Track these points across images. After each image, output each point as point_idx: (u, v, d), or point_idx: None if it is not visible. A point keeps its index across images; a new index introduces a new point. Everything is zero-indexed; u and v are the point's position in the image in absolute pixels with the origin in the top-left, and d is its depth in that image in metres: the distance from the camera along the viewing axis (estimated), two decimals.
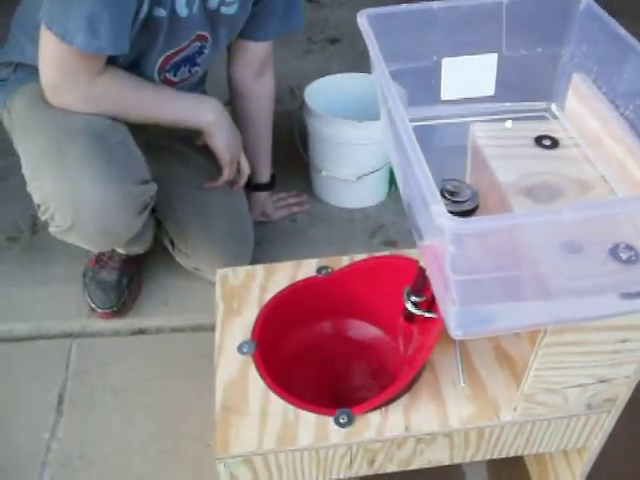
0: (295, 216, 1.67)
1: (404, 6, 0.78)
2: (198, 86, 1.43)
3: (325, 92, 1.66)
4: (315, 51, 2.37)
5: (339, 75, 1.72)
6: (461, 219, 0.52)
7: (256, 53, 1.40)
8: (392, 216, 1.67)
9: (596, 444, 0.89)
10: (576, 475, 0.95)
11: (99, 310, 1.39)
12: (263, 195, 1.60)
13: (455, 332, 0.64)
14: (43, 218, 1.16)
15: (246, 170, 1.40)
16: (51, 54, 1.07)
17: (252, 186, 1.56)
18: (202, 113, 1.25)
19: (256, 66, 1.43)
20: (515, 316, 0.66)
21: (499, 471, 1.14)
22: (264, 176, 1.57)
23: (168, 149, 1.36)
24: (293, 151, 1.70)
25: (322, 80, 1.69)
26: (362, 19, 0.76)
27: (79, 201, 1.11)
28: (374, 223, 1.66)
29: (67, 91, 1.11)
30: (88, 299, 1.40)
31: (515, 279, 0.63)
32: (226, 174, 1.35)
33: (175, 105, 1.23)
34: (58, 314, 1.41)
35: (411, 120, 0.81)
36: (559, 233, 0.61)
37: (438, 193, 0.54)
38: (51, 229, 1.18)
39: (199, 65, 1.30)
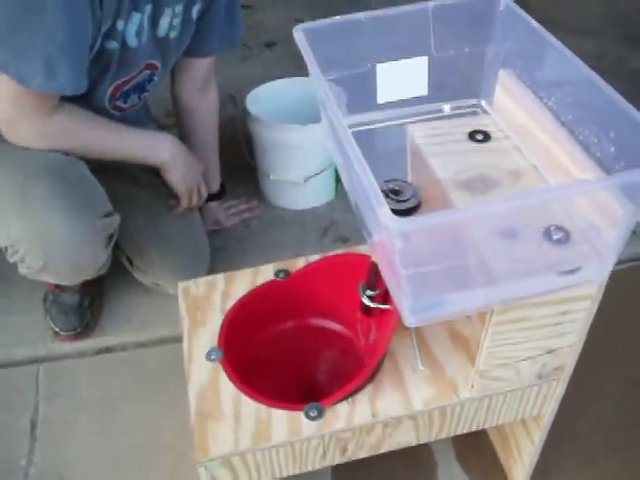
0: (248, 222, 1.70)
1: (335, 18, 0.83)
2: (142, 107, 1.44)
3: (266, 98, 1.70)
4: (252, 56, 2.39)
5: (279, 81, 1.76)
6: (405, 219, 0.57)
7: (200, 69, 1.43)
8: (342, 213, 1.72)
9: (550, 410, 0.95)
10: (535, 440, 1.02)
11: (62, 333, 1.40)
12: (214, 204, 1.63)
13: (409, 321, 0.70)
14: (12, 260, 1.17)
15: (204, 197, 1.44)
16: (6, 92, 1.07)
17: None
18: (157, 151, 1.28)
19: (200, 82, 1.45)
20: (463, 301, 0.71)
21: (465, 448, 1.20)
22: (214, 186, 1.60)
23: (118, 170, 1.37)
24: (240, 158, 1.73)
25: (262, 86, 1.72)
26: (299, 34, 0.81)
27: (49, 242, 1.12)
28: (325, 221, 1.70)
29: (23, 127, 1.11)
30: (50, 323, 1.41)
31: (460, 268, 0.68)
32: (184, 204, 1.39)
33: (130, 143, 1.25)
34: (23, 341, 1.41)
35: (352, 125, 0.87)
36: (496, 222, 0.67)
37: (382, 196, 0.58)
38: (21, 270, 1.19)
39: (148, 91, 1.32)
